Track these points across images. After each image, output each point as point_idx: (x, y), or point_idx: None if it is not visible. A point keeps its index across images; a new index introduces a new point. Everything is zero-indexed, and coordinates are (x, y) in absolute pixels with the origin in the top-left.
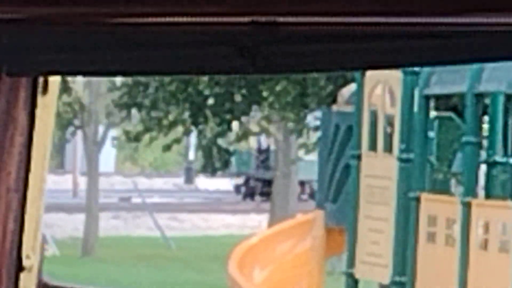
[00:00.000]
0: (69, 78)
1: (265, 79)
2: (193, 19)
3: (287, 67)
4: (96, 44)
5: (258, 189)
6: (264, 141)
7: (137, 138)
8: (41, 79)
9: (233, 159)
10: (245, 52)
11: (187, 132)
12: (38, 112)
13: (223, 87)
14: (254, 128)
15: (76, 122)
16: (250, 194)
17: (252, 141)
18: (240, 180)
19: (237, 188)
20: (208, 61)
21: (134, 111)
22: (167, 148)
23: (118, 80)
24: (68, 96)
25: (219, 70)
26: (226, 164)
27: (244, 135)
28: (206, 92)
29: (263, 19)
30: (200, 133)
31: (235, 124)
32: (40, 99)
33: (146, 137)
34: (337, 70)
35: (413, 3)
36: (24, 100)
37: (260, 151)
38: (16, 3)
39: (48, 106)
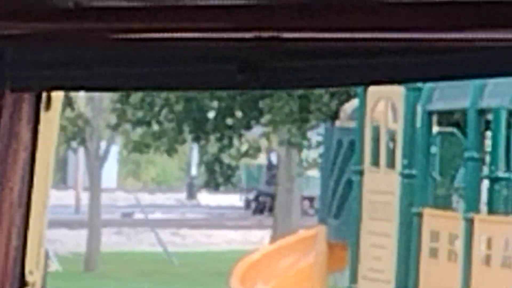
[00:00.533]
0: (72, 94)
1: (266, 94)
2: (196, 35)
3: (291, 82)
4: (99, 59)
5: (268, 204)
6: (275, 156)
7: (143, 149)
8: (44, 95)
9: (242, 174)
10: (248, 68)
11: (183, 142)
12: (41, 127)
13: (224, 102)
14: (257, 143)
15: (78, 137)
16: (260, 209)
17: (262, 157)
18: (251, 195)
19: (248, 203)
20: (211, 77)
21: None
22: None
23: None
24: (72, 111)
25: (222, 85)
26: (229, 179)
27: (247, 151)
28: (207, 107)
29: (266, 34)
30: (201, 148)
31: (237, 140)
32: (43, 115)
33: (151, 149)
34: (339, 86)
35: (415, 19)
36: (27, 116)
37: (270, 166)
38: (19, 19)
39: (51, 121)
